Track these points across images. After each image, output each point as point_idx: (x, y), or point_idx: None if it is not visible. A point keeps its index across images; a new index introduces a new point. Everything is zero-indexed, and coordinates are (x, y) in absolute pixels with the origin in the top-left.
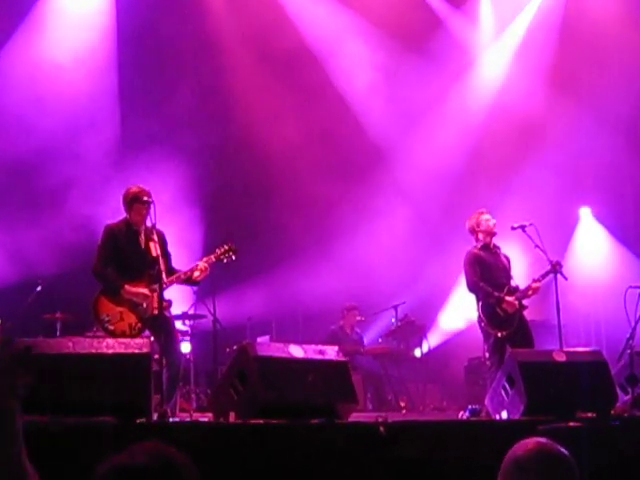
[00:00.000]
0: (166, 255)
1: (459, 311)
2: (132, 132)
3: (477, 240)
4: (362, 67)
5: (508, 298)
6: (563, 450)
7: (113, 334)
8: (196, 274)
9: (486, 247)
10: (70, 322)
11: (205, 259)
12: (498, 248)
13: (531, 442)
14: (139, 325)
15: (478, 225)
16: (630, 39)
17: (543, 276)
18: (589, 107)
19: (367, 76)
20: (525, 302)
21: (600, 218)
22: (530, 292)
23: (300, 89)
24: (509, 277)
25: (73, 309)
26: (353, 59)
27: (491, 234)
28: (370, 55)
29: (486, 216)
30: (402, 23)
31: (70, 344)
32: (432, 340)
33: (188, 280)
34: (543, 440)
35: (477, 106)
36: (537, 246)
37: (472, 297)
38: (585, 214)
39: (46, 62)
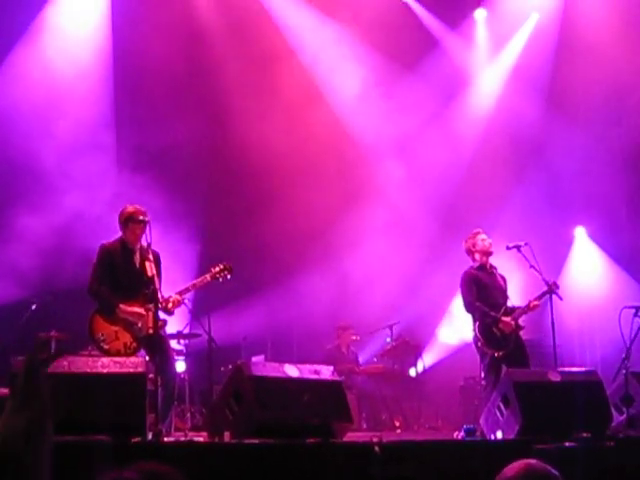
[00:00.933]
0: (159, 276)
1: (454, 330)
2: (126, 152)
3: (474, 260)
4: (358, 87)
5: (504, 318)
6: (553, 471)
7: (108, 353)
8: (169, 305)
9: (483, 267)
10: (64, 341)
11: (200, 278)
12: (495, 268)
13: (521, 463)
14: (134, 344)
15: (474, 245)
16: (625, 59)
17: (539, 297)
18: (584, 126)
19: (362, 95)
20: (521, 322)
21: (595, 238)
22: (527, 311)
23: (294, 110)
24: (505, 297)
25: (67, 328)
26: (349, 79)
27: (487, 254)
28: (366, 75)
29: (482, 236)
30: (398, 43)
31: (65, 363)
32: (427, 360)
33: (163, 308)
34: (533, 461)
35: (472, 126)
36: (532, 266)
37: (467, 316)
38: (580, 234)
39: (42, 78)
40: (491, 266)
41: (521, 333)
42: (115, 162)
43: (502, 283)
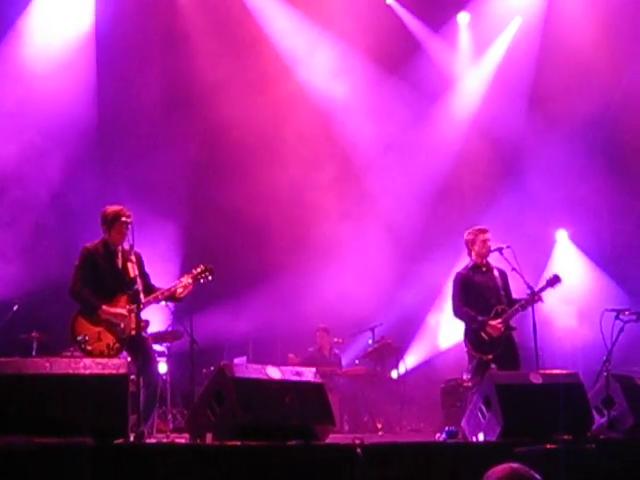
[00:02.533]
0: (144, 275)
1: (438, 333)
2: (109, 150)
3: (469, 254)
4: (341, 90)
5: (492, 322)
6: (536, 475)
7: (91, 354)
8: (179, 290)
9: (477, 267)
10: (46, 342)
11: (183, 280)
12: (490, 265)
13: (505, 467)
14: (117, 345)
15: (473, 243)
16: (607, 63)
17: (523, 306)
18: (566, 130)
19: (345, 98)
20: (513, 323)
21: (576, 240)
22: (517, 312)
23: (279, 113)
24: (500, 297)
25: (49, 329)
26: (332, 82)
27: (484, 257)
28: (349, 77)
29: (485, 236)
30: (382, 46)
31: (47, 364)
32: (409, 362)
33: (171, 297)
34: (516, 465)
35: (454, 128)
36: (514, 269)
37: (453, 318)
38: (562, 236)
39: (24, 77)
40: (487, 263)
41: (514, 334)
42: (97, 160)
43: (498, 281)
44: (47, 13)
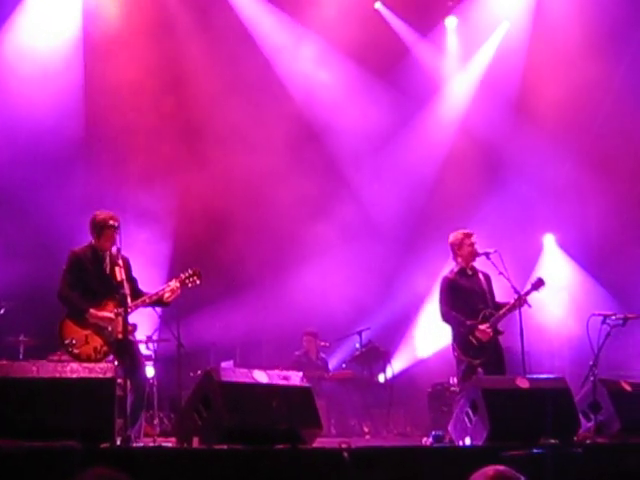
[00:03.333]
0: (131, 280)
1: (424, 337)
2: (97, 153)
3: (454, 258)
4: (328, 94)
5: (481, 327)
6: (521, 477)
7: (78, 358)
8: (166, 295)
9: (463, 271)
10: (33, 346)
11: (171, 284)
12: (476, 269)
13: (490, 469)
14: (105, 348)
15: (460, 247)
16: (595, 68)
17: (509, 310)
18: (553, 135)
19: (333, 103)
20: (500, 327)
21: (563, 245)
22: (504, 316)
23: (267, 117)
24: (487, 301)
25: (36, 332)
26: (320, 86)
27: (471, 260)
28: (336, 82)
29: (471, 240)
30: (369, 50)
31: (34, 368)
32: (396, 366)
33: (159, 302)
34: (501, 467)
35: (442, 132)
36: (501, 273)
37: (440, 323)
38: (549, 241)
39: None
40: (472, 267)
41: (500, 339)
42: (84, 161)
43: (484, 285)
44: (34, 16)
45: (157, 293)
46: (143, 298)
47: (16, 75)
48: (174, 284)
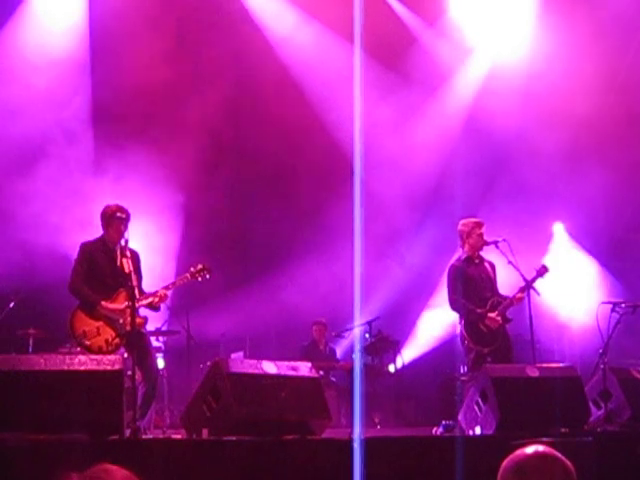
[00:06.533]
0: (138, 274)
1: (433, 326)
2: (105, 137)
3: (462, 247)
4: (335, 84)
5: (491, 314)
6: (561, 457)
7: (90, 349)
8: (155, 300)
9: (470, 259)
10: (43, 338)
11: (180, 277)
12: (483, 258)
13: (532, 448)
14: (116, 340)
15: (469, 236)
16: (604, 55)
17: (522, 290)
18: (562, 122)
19: (340, 92)
20: (509, 315)
21: (573, 234)
22: (512, 304)
23: (276, 114)
24: (493, 289)
25: (46, 325)
26: (327, 75)
27: (477, 249)
28: (344, 71)
29: (481, 230)
30: (376, 38)
31: (42, 361)
32: (406, 355)
33: (149, 305)
34: (541, 447)
35: (450, 122)
36: (510, 262)
37: (449, 312)
38: (558, 230)
39: (19, 65)
40: (479, 256)
41: (508, 327)
42: (94, 149)
43: (490, 273)
44: (40, 9)
45: (152, 294)
46: (139, 298)
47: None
48: (162, 292)
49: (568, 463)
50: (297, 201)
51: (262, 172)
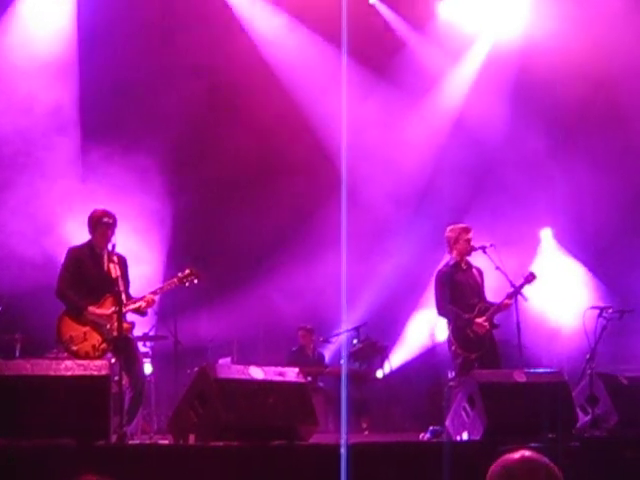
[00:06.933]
0: (125, 279)
1: (421, 332)
2: (91, 148)
3: (450, 252)
4: (323, 90)
5: (478, 320)
6: (549, 462)
7: (76, 355)
8: (142, 305)
9: (457, 265)
10: (29, 343)
11: (168, 282)
12: (470, 263)
13: (517, 454)
14: (103, 346)
15: (456, 241)
16: (593, 61)
17: (510, 296)
18: (549, 129)
19: (327, 97)
20: (496, 321)
21: (560, 239)
22: (500, 310)
23: (259, 112)
24: (481, 295)
25: (33, 330)
26: (313, 83)
27: (465, 255)
28: (331, 79)
29: (468, 236)
30: (364, 44)
31: (28, 366)
32: (394, 361)
33: (136, 310)
34: (528, 452)
35: (437, 127)
36: (498, 267)
37: (436, 318)
38: (546, 235)
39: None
40: (467, 262)
41: (495, 333)
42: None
43: (478, 279)
44: (27, 13)
45: (140, 299)
46: (126, 303)
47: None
48: (149, 297)
49: (555, 468)
50: (283, 205)
51: (247, 175)
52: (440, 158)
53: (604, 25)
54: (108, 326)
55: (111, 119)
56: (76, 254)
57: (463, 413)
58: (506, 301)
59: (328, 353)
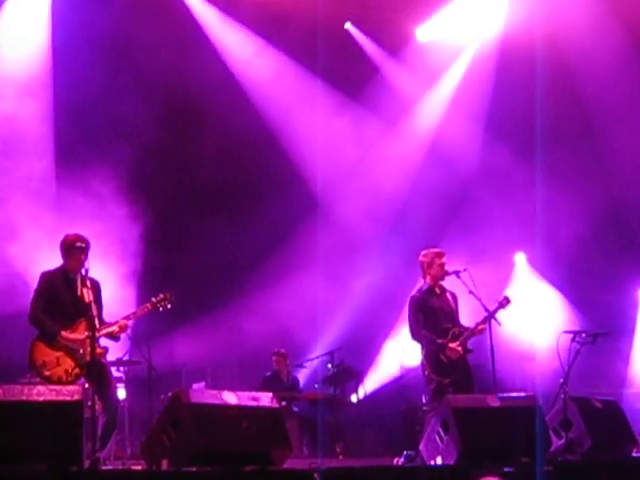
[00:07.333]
0: (99, 303)
1: (395, 356)
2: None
3: (423, 277)
4: (298, 113)
5: (451, 345)
6: None
7: (49, 380)
8: (116, 330)
9: (431, 290)
10: (2, 369)
11: (141, 307)
12: (444, 289)
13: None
14: (76, 371)
15: (429, 266)
16: (565, 85)
17: (484, 321)
18: (524, 153)
19: (303, 121)
20: (469, 345)
21: (534, 264)
22: (474, 334)
23: (233, 137)
24: (455, 320)
25: (6, 356)
26: (289, 105)
27: (438, 280)
28: (306, 101)
29: (441, 260)
30: (339, 69)
31: (0, 391)
32: (368, 385)
33: (109, 334)
34: (496, 478)
35: (412, 152)
36: (471, 292)
37: (411, 342)
38: (520, 260)
39: None
40: (441, 286)
41: (469, 358)
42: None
43: (452, 304)
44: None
45: (107, 326)
46: (99, 328)
47: None
48: (122, 322)
49: None
50: (257, 228)
51: (221, 197)
52: (415, 180)
53: (577, 44)
54: (81, 351)
55: (83, 136)
56: (49, 279)
57: (437, 438)
58: (480, 326)
59: (302, 377)
